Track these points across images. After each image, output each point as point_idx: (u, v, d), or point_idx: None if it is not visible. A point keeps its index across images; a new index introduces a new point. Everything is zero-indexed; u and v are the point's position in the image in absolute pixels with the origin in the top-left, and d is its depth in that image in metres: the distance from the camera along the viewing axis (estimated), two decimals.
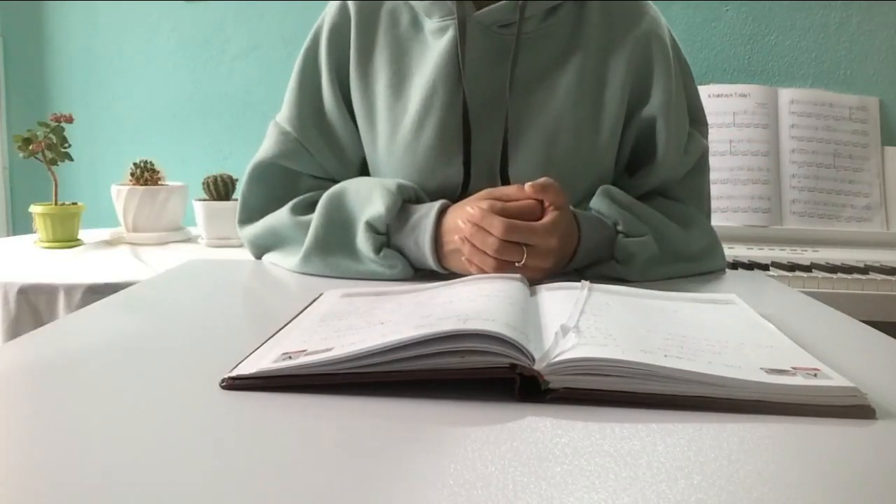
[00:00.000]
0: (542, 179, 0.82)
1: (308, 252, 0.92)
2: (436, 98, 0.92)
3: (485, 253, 0.79)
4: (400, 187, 0.89)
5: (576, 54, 0.94)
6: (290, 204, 0.96)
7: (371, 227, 0.88)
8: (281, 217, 0.96)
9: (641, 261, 0.90)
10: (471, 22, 0.93)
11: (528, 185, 0.82)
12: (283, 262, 0.97)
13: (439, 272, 0.87)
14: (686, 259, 0.96)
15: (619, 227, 0.89)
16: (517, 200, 0.82)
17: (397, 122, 0.95)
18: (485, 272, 0.79)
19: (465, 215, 0.81)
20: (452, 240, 0.84)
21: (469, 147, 0.92)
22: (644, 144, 0.98)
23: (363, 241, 0.89)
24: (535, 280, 0.78)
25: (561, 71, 0.94)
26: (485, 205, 0.81)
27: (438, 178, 0.93)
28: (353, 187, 0.93)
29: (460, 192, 0.92)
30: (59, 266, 1.58)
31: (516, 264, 0.79)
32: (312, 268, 0.92)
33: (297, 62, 1.01)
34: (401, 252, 0.89)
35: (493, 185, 0.89)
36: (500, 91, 0.93)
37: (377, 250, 0.88)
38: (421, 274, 0.89)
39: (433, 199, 0.91)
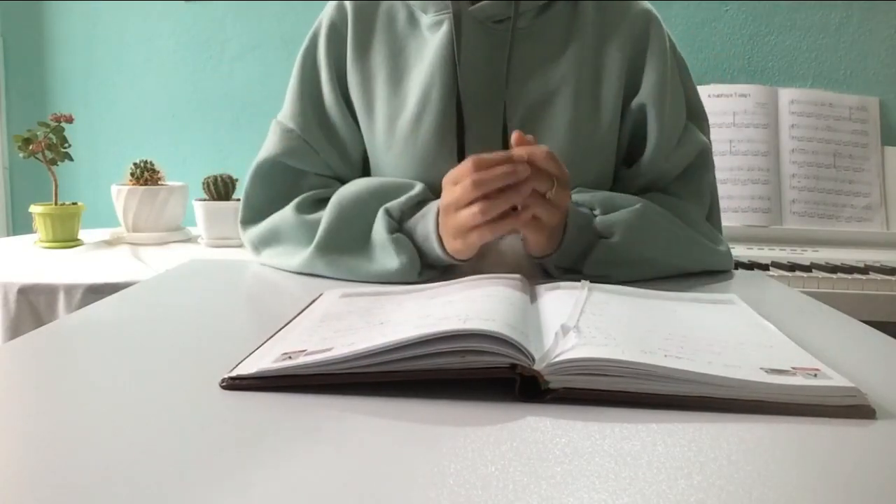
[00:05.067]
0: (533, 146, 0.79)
1: (316, 250, 0.90)
2: (433, 90, 0.94)
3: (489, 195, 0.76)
4: (423, 188, 0.91)
5: (571, 48, 0.96)
6: (294, 202, 0.95)
7: (388, 212, 0.88)
8: (285, 216, 0.95)
9: (624, 230, 0.86)
10: (466, 16, 0.95)
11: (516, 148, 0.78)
12: (283, 263, 0.95)
13: (441, 262, 0.86)
14: (677, 244, 0.92)
15: (596, 211, 0.88)
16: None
17: (395, 116, 0.96)
18: (488, 213, 0.77)
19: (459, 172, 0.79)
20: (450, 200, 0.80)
21: (463, 139, 0.93)
22: (639, 134, 0.98)
23: (379, 224, 0.88)
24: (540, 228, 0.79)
25: (557, 63, 0.95)
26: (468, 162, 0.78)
27: (437, 170, 0.93)
28: (373, 183, 0.93)
29: None
30: (59, 266, 1.58)
31: (547, 195, 0.78)
32: (318, 267, 0.91)
33: (296, 62, 1.02)
34: (410, 238, 0.87)
35: None
36: (496, 82, 0.94)
37: (391, 231, 0.87)
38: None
39: (431, 191, 0.92)
